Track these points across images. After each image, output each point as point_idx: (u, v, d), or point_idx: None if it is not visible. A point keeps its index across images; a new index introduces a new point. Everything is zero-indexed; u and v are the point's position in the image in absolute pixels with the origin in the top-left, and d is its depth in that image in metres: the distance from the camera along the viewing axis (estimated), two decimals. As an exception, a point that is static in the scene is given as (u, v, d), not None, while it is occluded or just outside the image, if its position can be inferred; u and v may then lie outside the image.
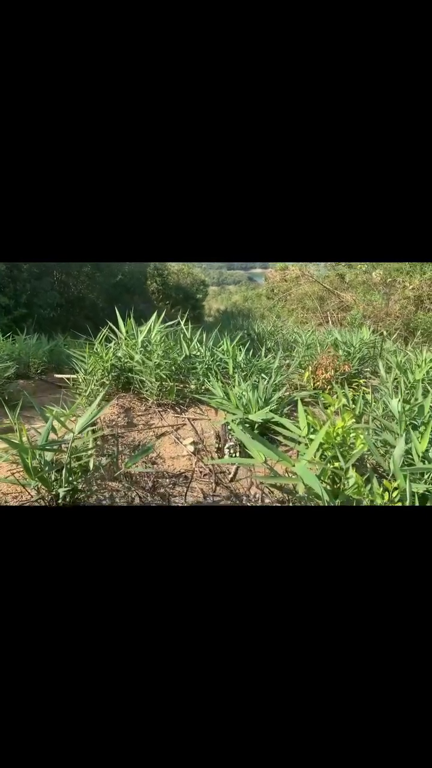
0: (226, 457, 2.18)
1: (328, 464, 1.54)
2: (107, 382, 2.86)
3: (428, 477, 1.71)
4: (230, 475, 2.08)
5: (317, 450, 1.51)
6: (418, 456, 1.69)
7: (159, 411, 2.69)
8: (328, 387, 2.88)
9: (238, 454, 2.17)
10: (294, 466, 1.42)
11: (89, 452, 1.76)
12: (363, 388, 2.82)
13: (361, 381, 2.93)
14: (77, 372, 2.93)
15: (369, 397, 2.59)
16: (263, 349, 3.46)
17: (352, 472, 1.52)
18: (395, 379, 3.22)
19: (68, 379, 3.02)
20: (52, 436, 1.78)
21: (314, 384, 2.93)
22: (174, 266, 14.77)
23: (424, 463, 1.65)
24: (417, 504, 1.40)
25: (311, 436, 1.74)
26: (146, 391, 2.79)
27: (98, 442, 2.19)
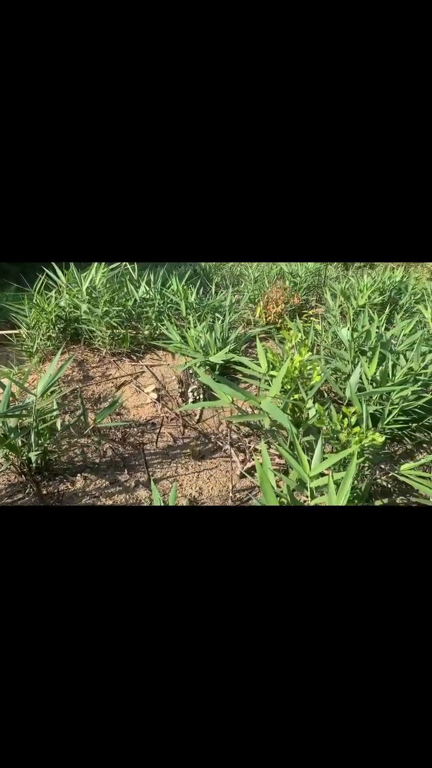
0: (191, 401, 2.24)
1: (290, 398, 1.65)
2: (54, 335, 2.71)
3: (376, 398, 1.90)
4: (196, 417, 2.15)
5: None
6: (368, 380, 1.85)
7: (114, 361, 2.64)
8: (280, 321, 2.95)
9: (202, 397, 2.23)
10: (260, 403, 1.50)
11: (54, 413, 1.72)
12: (312, 318, 2.93)
13: (310, 312, 3.03)
14: (19, 327, 2.73)
15: (318, 327, 2.71)
16: (213, 286, 3.40)
17: (311, 403, 1.64)
18: (340, 305, 3.37)
19: (10, 335, 2.81)
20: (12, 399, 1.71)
21: (266, 319, 2.99)
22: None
23: (373, 386, 1.82)
24: (370, 425, 1.57)
25: (272, 373, 1.82)
26: (98, 341, 2.69)
27: (60, 401, 2.13)
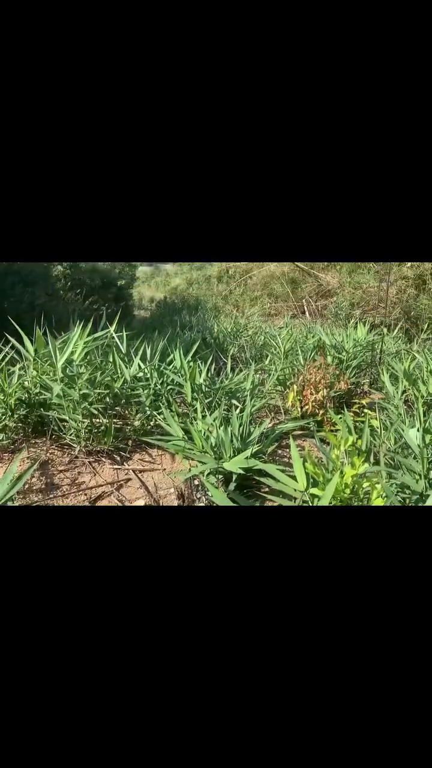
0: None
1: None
2: (12, 425, 2.76)
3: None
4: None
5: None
6: (451, 506, 1.80)
7: (90, 462, 2.64)
8: (322, 412, 2.99)
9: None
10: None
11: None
12: (366, 410, 2.96)
13: (364, 401, 3.07)
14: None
15: (375, 422, 2.72)
16: (228, 361, 3.52)
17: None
18: (404, 392, 3.42)
19: None
20: None
21: (302, 408, 3.03)
22: (87, 241, 14.55)
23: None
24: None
25: (314, 492, 1.80)
26: (69, 434, 2.73)
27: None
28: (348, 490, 1.79)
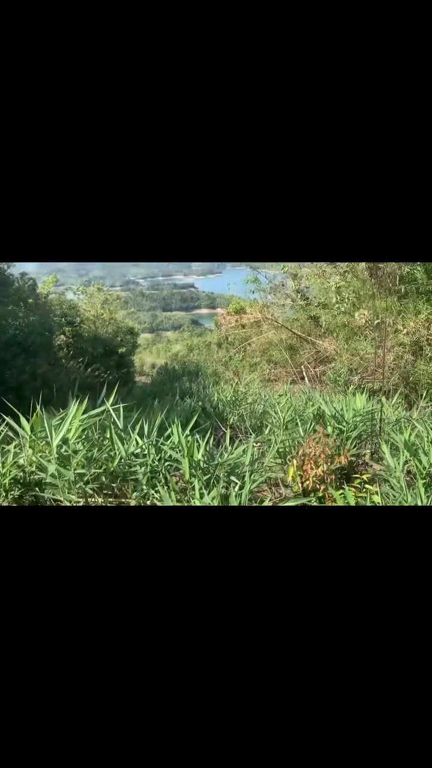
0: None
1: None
2: (6, 504, 2.70)
3: None
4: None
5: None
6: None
7: (85, 545, 2.56)
8: (322, 487, 2.93)
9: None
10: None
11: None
12: (368, 486, 2.90)
13: (365, 476, 3.02)
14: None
15: (377, 499, 2.66)
16: (227, 432, 3.49)
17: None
18: (406, 463, 3.36)
19: None
20: None
21: (303, 483, 2.97)
22: (91, 311, 14.97)
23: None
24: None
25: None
26: (65, 515, 2.66)
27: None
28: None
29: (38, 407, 3.09)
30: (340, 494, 2.46)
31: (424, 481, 2.75)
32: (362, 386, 7.51)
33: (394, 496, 2.75)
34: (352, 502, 2.38)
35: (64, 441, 2.80)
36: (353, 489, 2.79)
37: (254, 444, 3.40)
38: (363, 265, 8.45)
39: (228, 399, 5.90)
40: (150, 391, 9.57)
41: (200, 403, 5.55)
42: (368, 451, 4.04)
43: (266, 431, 4.16)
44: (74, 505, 2.60)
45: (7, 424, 3.04)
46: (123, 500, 2.86)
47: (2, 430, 2.98)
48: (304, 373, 9.37)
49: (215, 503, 2.46)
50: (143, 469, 2.89)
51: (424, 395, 6.06)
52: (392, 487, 2.84)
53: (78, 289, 16.94)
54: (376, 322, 7.72)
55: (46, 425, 2.84)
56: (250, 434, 3.87)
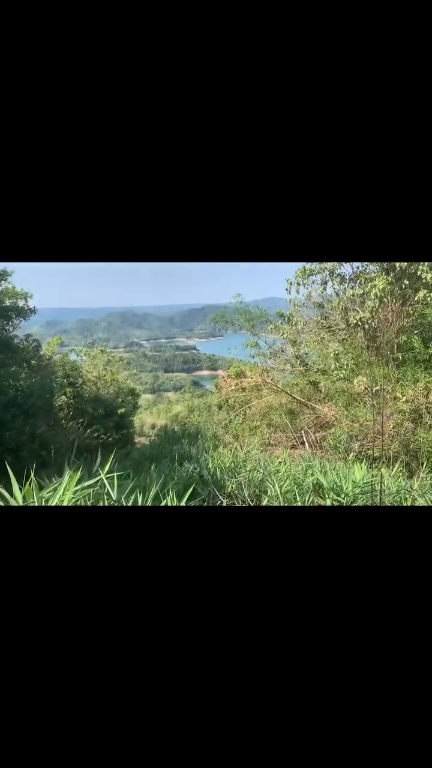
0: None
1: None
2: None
3: None
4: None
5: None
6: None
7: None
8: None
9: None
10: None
11: None
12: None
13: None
14: None
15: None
16: (224, 502, 3.42)
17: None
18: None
19: None
20: None
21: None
22: (93, 372, 15.12)
23: None
24: None
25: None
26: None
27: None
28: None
29: (32, 474, 3.04)
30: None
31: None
32: (362, 453, 7.43)
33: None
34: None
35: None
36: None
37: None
38: (361, 333, 8.60)
39: (227, 466, 5.81)
40: (149, 454, 9.46)
41: (198, 470, 5.47)
42: (368, 525, 3.93)
43: (264, 502, 4.07)
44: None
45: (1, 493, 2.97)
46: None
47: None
48: (304, 437, 9.31)
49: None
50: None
51: (424, 465, 5.97)
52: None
53: (81, 351, 17.19)
54: (375, 389, 7.76)
55: (35, 497, 2.78)
56: (249, 505, 3.79)
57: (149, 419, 20.88)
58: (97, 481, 3.13)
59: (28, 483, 2.97)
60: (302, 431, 9.57)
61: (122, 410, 14.85)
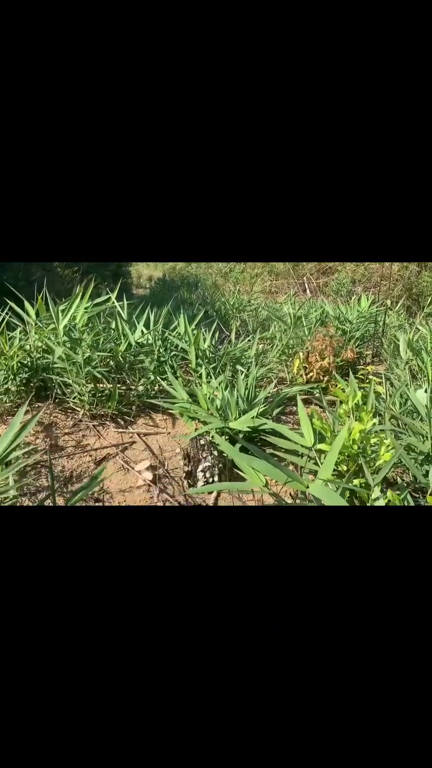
0: (201, 484, 2.19)
1: (349, 482, 1.61)
2: (13, 389, 2.75)
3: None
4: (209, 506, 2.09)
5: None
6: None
7: (94, 426, 2.65)
8: (327, 378, 2.98)
9: (217, 479, 2.19)
10: (307, 487, 1.46)
11: (9, 495, 1.69)
12: (371, 377, 2.95)
13: (370, 368, 3.07)
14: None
15: (380, 388, 2.72)
16: (233, 330, 3.50)
17: (378, 491, 1.59)
18: (407, 363, 3.42)
19: None
20: None
21: (307, 375, 3.03)
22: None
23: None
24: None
25: (321, 447, 1.80)
26: (73, 398, 2.72)
27: (17, 478, 2.11)
28: (355, 446, 1.80)
29: (40, 296, 3.07)
30: (346, 382, 2.51)
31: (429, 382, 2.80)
32: (366, 295, 7.44)
33: (396, 389, 2.82)
34: (357, 391, 2.43)
35: (71, 326, 2.81)
36: (357, 380, 2.85)
37: (258, 341, 3.42)
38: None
39: (231, 304, 5.85)
40: (149, 300, 9.44)
41: (202, 309, 5.51)
42: (371, 352, 4.08)
43: (272, 329, 4.16)
44: (84, 421, 2.65)
45: (10, 309, 3.02)
46: (130, 388, 2.91)
47: (5, 316, 2.97)
48: (306, 284, 9.23)
49: (222, 387, 2.52)
50: (150, 358, 2.92)
51: (428, 304, 6.01)
52: (393, 384, 2.90)
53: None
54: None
55: (51, 311, 2.83)
56: (255, 331, 3.88)
57: (146, 271, 20.38)
58: (108, 298, 3.16)
59: (40, 298, 2.99)
60: (304, 278, 9.46)
61: (119, 259, 14.41)
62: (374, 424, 1.82)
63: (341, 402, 1.96)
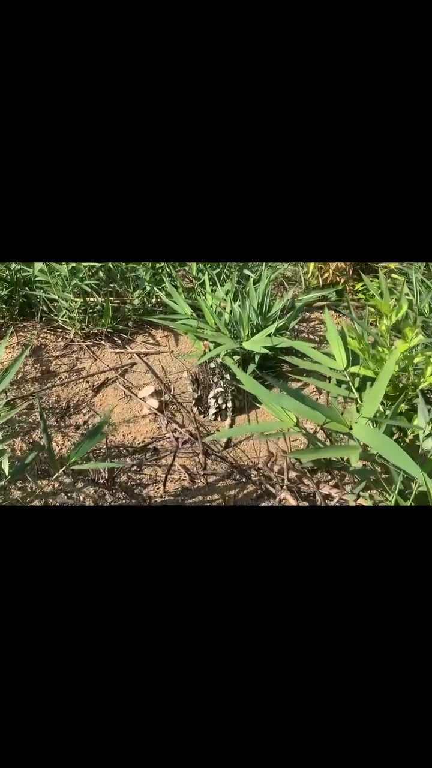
0: (213, 411, 1.96)
1: (395, 415, 1.37)
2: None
3: None
4: (223, 440, 1.89)
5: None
6: None
7: (88, 346, 2.38)
8: (343, 279, 2.66)
9: (231, 405, 1.95)
10: (351, 429, 1.22)
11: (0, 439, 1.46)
12: (394, 275, 2.63)
13: (392, 265, 2.73)
14: None
15: (405, 289, 2.42)
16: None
17: (424, 422, 1.36)
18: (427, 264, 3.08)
19: None
20: None
21: (322, 277, 2.70)
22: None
23: None
24: None
25: (356, 370, 1.54)
26: (62, 315, 2.42)
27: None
28: (396, 367, 1.55)
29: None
30: (372, 281, 2.18)
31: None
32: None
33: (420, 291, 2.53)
34: (386, 290, 2.12)
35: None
36: (374, 279, 2.53)
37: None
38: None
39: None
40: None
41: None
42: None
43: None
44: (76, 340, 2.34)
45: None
46: (125, 300, 2.59)
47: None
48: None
49: (230, 298, 2.20)
50: (145, 266, 2.57)
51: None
52: (412, 280, 2.60)
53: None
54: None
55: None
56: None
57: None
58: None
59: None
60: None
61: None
62: (421, 339, 1.54)
63: (381, 314, 1.65)
